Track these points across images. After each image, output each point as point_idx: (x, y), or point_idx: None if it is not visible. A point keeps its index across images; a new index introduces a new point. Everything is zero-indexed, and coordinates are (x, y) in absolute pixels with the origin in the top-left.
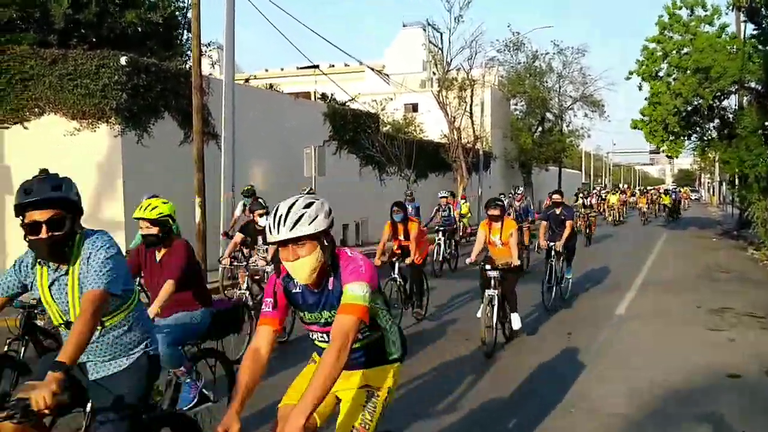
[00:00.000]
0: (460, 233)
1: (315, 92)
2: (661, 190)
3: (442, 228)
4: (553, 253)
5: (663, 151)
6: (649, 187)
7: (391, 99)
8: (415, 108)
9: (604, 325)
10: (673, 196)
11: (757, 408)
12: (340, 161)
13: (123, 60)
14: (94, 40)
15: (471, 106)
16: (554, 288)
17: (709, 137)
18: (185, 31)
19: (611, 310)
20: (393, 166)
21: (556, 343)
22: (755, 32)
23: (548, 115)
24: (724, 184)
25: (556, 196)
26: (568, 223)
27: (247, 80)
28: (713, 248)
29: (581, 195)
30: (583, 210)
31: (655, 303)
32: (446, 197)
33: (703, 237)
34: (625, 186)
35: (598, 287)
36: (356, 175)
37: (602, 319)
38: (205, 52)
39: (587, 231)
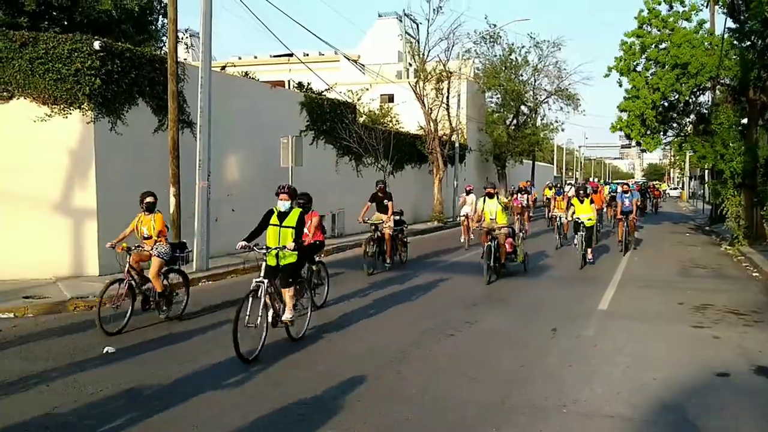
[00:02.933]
0: None
1: (290, 81)
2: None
3: None
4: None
5: (640, 146)
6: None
7: (367, 89)
8: (391, 99)
9: (587, 321)
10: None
11: (748, 407)
12: (316, 151)
13: (97, 45)
14: (65, 23)
15: (448, 98)
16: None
17: (685, 133)
18: (160, 16)
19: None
20: (370, 156)
21: (541, 339)
22: (733, 28)
23: (523, 108)
24: (693, 179)
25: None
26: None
27: (223, 68)
28: (689, 243)
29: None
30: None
31: (637, 299)
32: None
33: (677, 232)
34: (573, 182)
35: None
36: (333, 166)
37: (585, 314)
38: (180, 38)
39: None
